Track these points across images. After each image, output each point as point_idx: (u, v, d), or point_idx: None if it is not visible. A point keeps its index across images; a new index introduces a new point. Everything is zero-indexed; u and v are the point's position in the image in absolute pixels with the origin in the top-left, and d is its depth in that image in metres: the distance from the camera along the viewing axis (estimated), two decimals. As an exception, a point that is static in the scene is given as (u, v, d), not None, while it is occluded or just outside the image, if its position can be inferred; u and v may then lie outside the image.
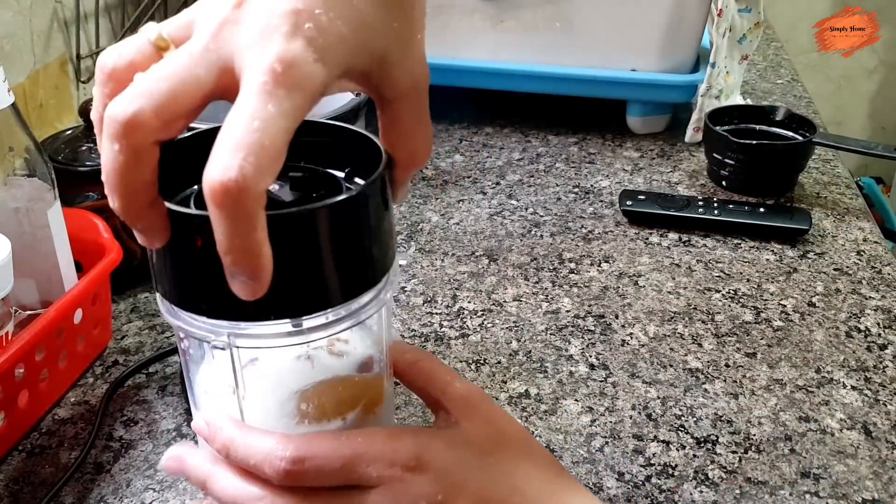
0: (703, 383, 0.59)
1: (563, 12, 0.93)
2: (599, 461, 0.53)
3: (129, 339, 0.64)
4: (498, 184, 0.89)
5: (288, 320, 0.33)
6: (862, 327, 0.65)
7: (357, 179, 0.36)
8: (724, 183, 0.87)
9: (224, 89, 0.29)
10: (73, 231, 0.60)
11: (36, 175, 0.56)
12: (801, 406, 0.57)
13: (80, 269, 0.62)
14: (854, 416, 0.56)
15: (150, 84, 0.28)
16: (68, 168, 0.66)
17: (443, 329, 0.65)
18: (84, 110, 0.69)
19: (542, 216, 0.82)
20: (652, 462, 0.53)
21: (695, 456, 0.53)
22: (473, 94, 1.06)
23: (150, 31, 0.31)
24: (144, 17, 0.92)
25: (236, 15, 0.29)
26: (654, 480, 0.51)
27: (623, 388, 0.59)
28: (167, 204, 0.30)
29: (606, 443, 0.54)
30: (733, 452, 0.53)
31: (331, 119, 0.41)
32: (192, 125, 0.31)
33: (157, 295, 0.34)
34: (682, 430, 0.55)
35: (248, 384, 0.36)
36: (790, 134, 0.87)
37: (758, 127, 0.89)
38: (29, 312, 0.57)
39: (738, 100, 1.01)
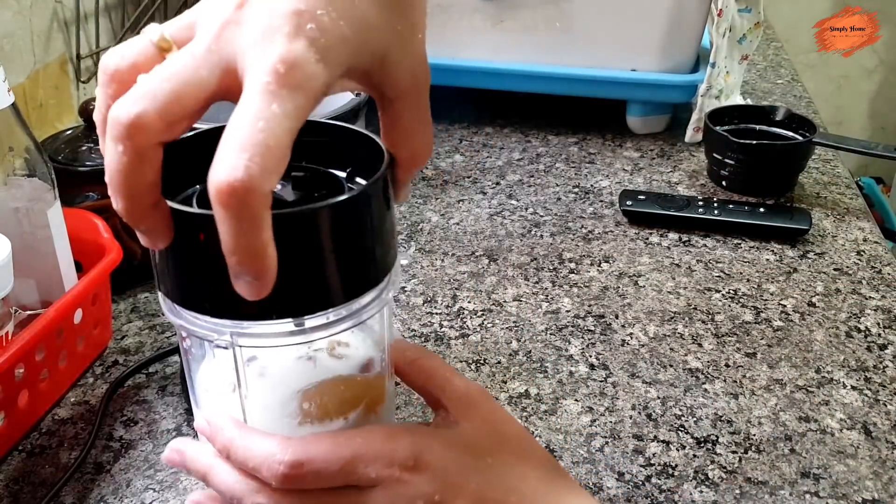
0: (703, 383, 0.59)
1: (563, 12, 0.93)
2: (599, 461, 0.53)
3: (129, 339, 0.64)
4: (498, 184, 0.89)
5: (290, 320, 0.33)
6: (862, 327, 0.65)
7: (358, 179, 0.36)
8: (724, 183, 0.87)
9: (227, 90, 0.29)
10: (73, 231, 0.60)
11: (36, 175, 0.56)
12: (801, 406, 0.57)
13: (80, 269, 0.62)
14: (854, 416, 0.56)
15: (154, 85, 0.28)
16: (68, 168, 0.66)
17: (443, 329, 0.65)
18: (84, 110, 0.69)
19: (542, 216, 0.82)
20: (652, 462, 0.53)
21: (695, 456, 0.53)
22: (473, 94, 1.06)
23: (153, 32, 0.31)
24: (144, 18, 0.92)
25: (238, 15, 0.29)
26: (654, 480, 0.51)
27: (623, 388, 0.59)
28: (171, 204, 0.30)
29: (606, 443, 0.54)
30: (733, 452, 0.53)
31: (331, 119, 0.41)
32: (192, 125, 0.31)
33: (159, 294, 0.35)
34: (682, 430, 0.55)
35: (250, 383, 0.36)
36: (790, 134, 0.88)
37: (758, 127, 0.89)
38: (29, 312, 0.57)
39: (738, 100, 1.01)
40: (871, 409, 0.57)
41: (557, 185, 0.88)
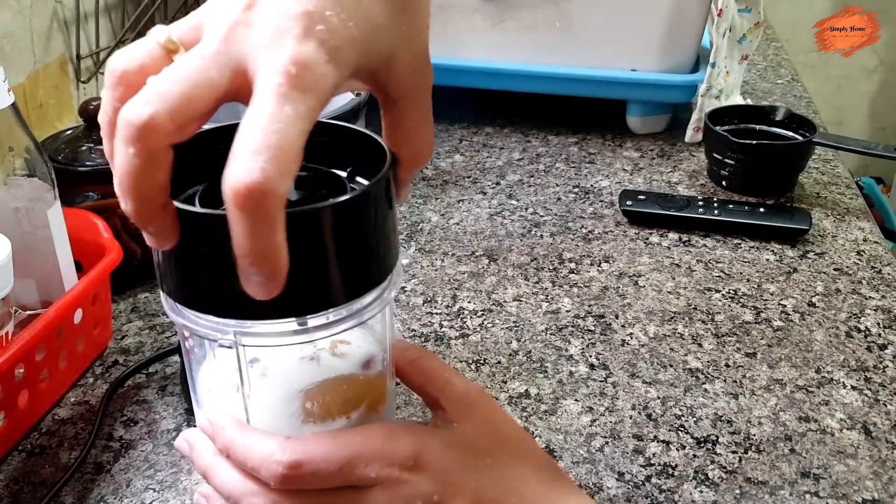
0: (703, 383, 0.59)
1: (563, 12, 0.93)
2: (599, 461, 0.53)
3: (129, 339, 0.64)
4: (498, 184, 0.89)
5: (294, 319, 0.33)
6: (862, 327, 0.65)
7: (359, 179, 0.36)
8: (724, 183, 0.87)
9: (237, 91, 0.29)
10: (73, 231, 0.60)
11: (36, 175, 0.56)
12: (801, 406, 0.57)
13: (80, 269, 0.62)
14: (854, 416, 0.56)
15: (164, 87, 0.28)
16: (68, 168, 0.66)
17: (443, 329, 0.65)
18: (84, 110, 0.69)
19: (542, 216, 0.82)
20: (652, 462, 0.53)
21: (695, 456, 0.53)
22: (473, 94, 1.06)
23: (159, 33, 0.31)
24: (144, 18, 0.92)
25: (247, 17, 0.29)
26: (654, 480, 0.51)
27: (623, 388, 0.59)
28: (179, 205, 0.30)
29: (606, 443, 0.54)
30: (733, 452, 0.53)
31: (331, 119, 0.41)
32: None
33: (162, 294, 0.35)
34: (682, 430, 0.55)
35: (253, 383, 0.36)
36: (790, 134, 0.88)
37: (758, 127, 0.89)
38: (29, 312, 0.57)
39: (738, 100, 1.01)
40: (871, 409, 0.57)
41: (557, 185, 0.88)
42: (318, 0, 0.29)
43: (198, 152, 0.31)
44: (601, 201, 0.85)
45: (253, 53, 0.28)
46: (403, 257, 0.75)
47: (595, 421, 0.56)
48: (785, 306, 0.68)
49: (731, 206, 0.80)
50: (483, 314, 0.67)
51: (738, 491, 0.50)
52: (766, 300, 0.69)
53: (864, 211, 0.83)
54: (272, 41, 0.28)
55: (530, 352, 0.63)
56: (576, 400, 0.58)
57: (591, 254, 0.76)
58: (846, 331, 0.65)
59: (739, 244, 0.77)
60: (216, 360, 0.37)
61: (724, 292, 0.70)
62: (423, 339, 0.64)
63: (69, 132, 0.71)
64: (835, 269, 0.73)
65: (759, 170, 0.85)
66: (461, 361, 0.62)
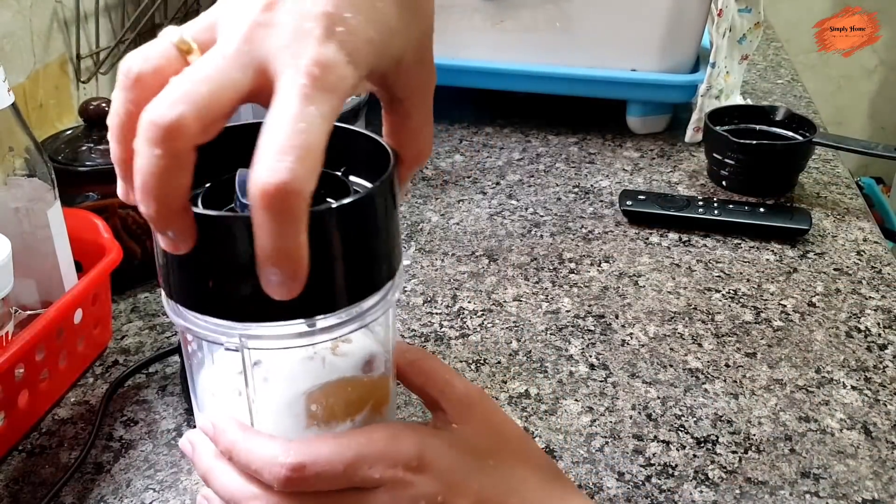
0: (703, 383, 0.59)
1: (563, 12, 0.93)
2: (599, 461, 0.53)
3: (129, 339, 0.64)
4: (498, 184, 0.89)
5: (303, 321, 0.33)
6: (862, 327, 0.65)
7: (353, 178, 0.36)
8: (724, 183, 0.87)
9: (258, 91, 0.29)
10: (73, 231, 0.60)
11: (36, 175, 0.56)
12: (801, 406, 0.57)
13: (80, 269, 0.62)
14: (854, 416, 0.56)
15: (189, 87, 0.28)
16: (68, 168, 0.66)
17: (443, 329, 0.65)
18: (84, 110, 0.69)
19: (542, 216, 0.82)
20: (652, 462, 0.53)
21: (695, 456, 0.53)
22: (473, 94, 1.06)
23: (172, 34, 0.30)
24: (144, 18, 0.92)
25: (267, 17, 0.29)
26: (654, 480, 0.51)
27: (623, 388, 0.59)
28: (194, 208, 0.30)
29: (606, 443, 0.54)
30: (733, 452, 0.53)
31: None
32: None
33: (164, 297, 0.34)
34: (682, 430, 0.55)
35: (257, 387, 0.36)
36: (790, 134, 0.88)
37: (758, 127, 0.89)
38: (29, 312, 0.57)
39: (738, 100, 1.01)
40: (871, 409, 0.57)
41: (557, 185, 0.88)
42: (337, 2, 0.29)
43: (197, 154, 0.31)
44: (601, 201, 0.85)
45: (275, 54, 0.28)
46: (404, 258, 0.75)
47: (595, 421, 0.56)
48: (785, 306, 0.68)
49: (731, 206, 0.80)
50: (483, 314, 0.67)
51: (738, 491, 0.50)
52: (766, 300, 0.69)
53: (864, 211, 0.83)
54: (294, 42, 0.28)
55: (530, 352, 0.63)
56: (576, 400, 0.58)
57: (591, 254, 0.76)
58: (846, 331, 0.65)
59: (739, 244, 0.77)
60: (218, 364, 0.37)
61: (724, 292, 0.70)
62: (423, 339, 0.64)
63: (69, 132, 0.71)
64: (835, 269, 0.73)
65: (759, 170, 0.85)
66: (461, 361, 0.62)
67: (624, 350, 0.63)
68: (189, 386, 0.40)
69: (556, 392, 0.59)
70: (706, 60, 0.95)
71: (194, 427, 0.40)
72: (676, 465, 0.52)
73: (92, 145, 0.68)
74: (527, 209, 0.84)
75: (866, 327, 0.65)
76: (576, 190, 0.88)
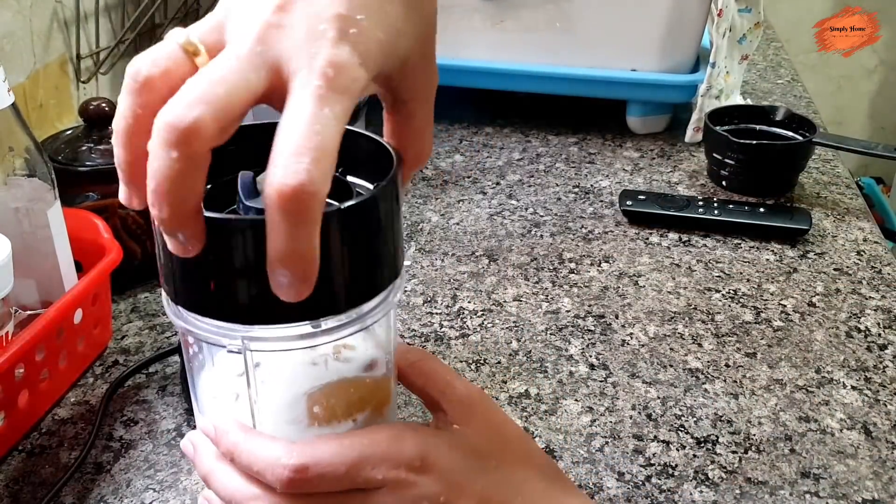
0: (703, 383, 0.59)
1: (563, 12, 0.93)
2: (599, 461, 0.53)
3: (129, 339, 0.64)
4: (498, 184, 0.89)
5: (308, 322, 0.33)
6: (862, 327, 0.65)
7: (350, 178, 0.36)
8: (724, 183, 0.87)
9: (272, 92, 0.29)
10: (73, 231, 0.60)
11: (36, 175, 0.56)
12: (801, 406, 0.57)
13: (80, 269, 0.62)
14: (854, 416, 0.56)
15: (206, 89, 0.27)
16: (68, 168, 0.66)
17: (443, 329, 0.65)
18: (84, 110, 0.69)
19: (542, 216, 0.82)
20: (652, 462, 0.53)
21: (695, 456, 0.53)
22: (473, 94, 1.06)
23: (178, 35, 0.30)
24: (144, 17, 0.92)
25: (280, 18, 0.29)
26: (654, 480, 0.51)
27: (623, 388, 0.59)
28: (207, 213, 0.29)
29: (606, 443, 0.54)
30: (733, 452, 0.53)
31: None
32: None
33: (165, 299, 0.34)
34: (682, 430, 0.55)
35: (258, 388, 0.36)
36: (790, 134, 0.88)
37: (758, 127, 0.89)
38: (29, 312, 0.57)
39: (738, 100, 1.01)
40: (871, 409, 0.57)
41: (557, 185, 0.89)
42: (349, 4, 0.29)
43: None
44: (601, 201, 0.85)
45: (289, 55, 0.28)
46: (405, 258, 0.75)
47: (595, 421, 0.56)
48: (785, 306, 0.68)
49: (731, 206, 0.80)
50: (483, 314, 0.67)
51: (738, 491, 0.50)
52: (766, 300, 0.69)
53: (864, 211, 0.83)
54: (308, 43, 0.28)
55: (530, 352, 0.63)
56: (576, 400, 0.58)
57: (591, 254, 0.76)
58: (846, 331, 0.65)
59: (739, 244, 0.77)
60: (215, 367, 0.37)
61: (724, 292, 0.70)
62: (423, 339, 0.64)
63: (69, 132, 0.71)
64: (835, 269, 0.73)
65: (759, 170, 0.85)
66: (461, 361, 0.62)
67: (624, 350, 0.63)
68: (189, 388, 0.39)
69: (556, 392, 0.59)
70: (706, 60, 0.95)
71: (194, 427, 0.40)
72: (676, 465, 0.52)
73: (92, 145, 0.68)
74: (527, 209, 0.84)
75: (866, 327, 0.65)
76: (576, 190, 0.88)
